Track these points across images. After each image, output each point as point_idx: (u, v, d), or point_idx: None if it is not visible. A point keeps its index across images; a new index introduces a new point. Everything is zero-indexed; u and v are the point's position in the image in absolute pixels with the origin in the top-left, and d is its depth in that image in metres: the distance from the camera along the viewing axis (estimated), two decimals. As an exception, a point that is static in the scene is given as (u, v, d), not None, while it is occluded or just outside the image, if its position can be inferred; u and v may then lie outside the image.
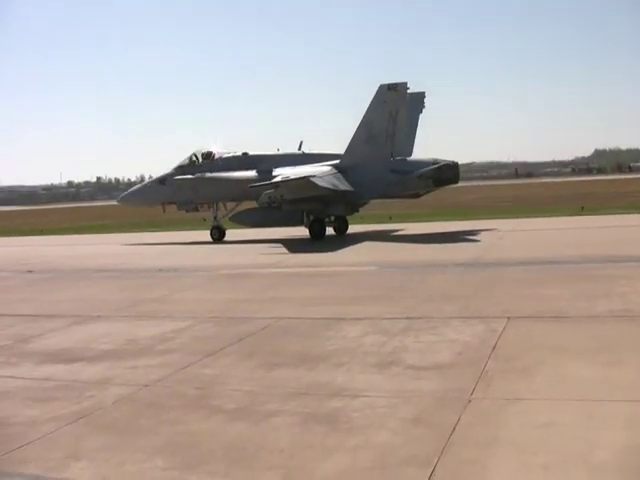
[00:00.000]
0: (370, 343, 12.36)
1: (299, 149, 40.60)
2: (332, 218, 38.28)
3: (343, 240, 34.76)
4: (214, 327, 14.73)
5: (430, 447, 7.49)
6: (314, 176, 34.68)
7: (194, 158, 40.53)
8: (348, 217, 39.32)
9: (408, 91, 37.57)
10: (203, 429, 8.53)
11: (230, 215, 39.88)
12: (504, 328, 12.81)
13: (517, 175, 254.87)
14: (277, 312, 15.85)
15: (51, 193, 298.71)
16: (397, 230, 39.16)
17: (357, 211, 39.63)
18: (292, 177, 34.96)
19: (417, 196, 39.90)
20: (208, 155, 40.55)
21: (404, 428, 8.13)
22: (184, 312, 16.65)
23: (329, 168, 37.36)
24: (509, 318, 13.58)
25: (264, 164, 38.80)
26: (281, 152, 40.51)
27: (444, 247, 28.70)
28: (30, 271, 27.80)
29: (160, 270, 25.77)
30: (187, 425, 8.72)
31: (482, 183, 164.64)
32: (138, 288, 21.62)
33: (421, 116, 41.11)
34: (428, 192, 39.55)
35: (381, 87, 36.51)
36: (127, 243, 40.22)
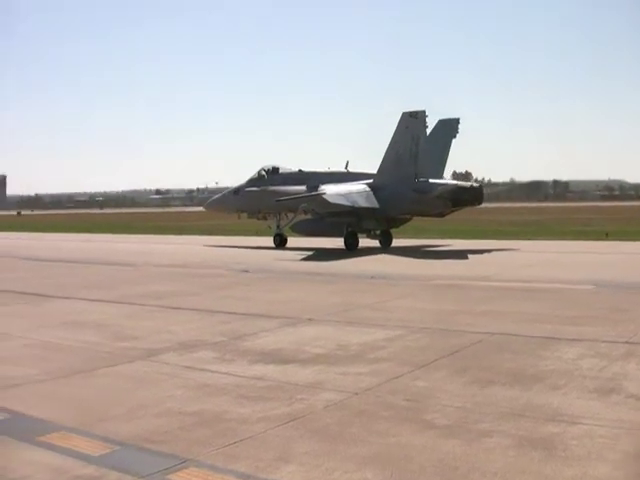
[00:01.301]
0: (588, 367, 11.79)
1: (345, 168, 44.98)
2: (378, 232, 42.41)
3: (558, 256, 33.76)
4: (425, 338, 14.57)
5: (656, 486, 7.00)
6: (325, 193, 38.87)
7: (262, 172, 45.60)
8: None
9: (442, 118, 43.21)
10: (414, 443, 8.36)
11: (290, 225, 44.25)
12: None
13: None
14: (490, 327, 15.52)
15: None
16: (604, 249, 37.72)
17: (397, 227, 43.28)
18: (310, 194, 39.59)
19: (441, 215, 42.91)
20: (274, 170, 45.59)
21: (626, 462, 7.63)
22: (395, 320, 16.60)
23: (363, 186, 41.35)
24: None
25: (313, 180, 42.56)
26: (329, 170, 44.93)
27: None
28: (246, 271, 28.80)
29: (372, 277, 25.96)
30: (398, 438, 8.58)
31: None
32: (349, 293, 21.83)
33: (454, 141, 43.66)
34: (452, 212, 42.34)
35: (404, 114, 40.24)
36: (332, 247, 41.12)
